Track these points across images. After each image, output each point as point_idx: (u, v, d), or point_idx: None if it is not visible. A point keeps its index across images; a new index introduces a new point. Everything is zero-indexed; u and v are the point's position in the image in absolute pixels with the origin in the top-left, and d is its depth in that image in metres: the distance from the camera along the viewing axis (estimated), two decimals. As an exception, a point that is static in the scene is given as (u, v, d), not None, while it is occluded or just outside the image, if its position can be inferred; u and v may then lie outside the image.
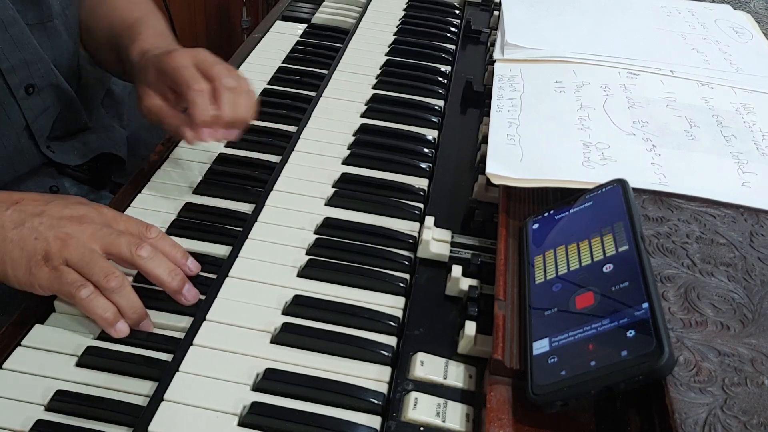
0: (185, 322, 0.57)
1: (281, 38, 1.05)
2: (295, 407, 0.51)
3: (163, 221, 0.67)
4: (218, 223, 0.68)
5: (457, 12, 1.16)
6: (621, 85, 0.79)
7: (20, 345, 0.55)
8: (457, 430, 0.49)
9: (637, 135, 0.70)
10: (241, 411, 0.50)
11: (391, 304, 0.60)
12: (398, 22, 1.10)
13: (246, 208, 0.70)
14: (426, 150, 0.79)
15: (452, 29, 1.09)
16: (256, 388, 0.52)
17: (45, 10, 0.77)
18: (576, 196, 0.60)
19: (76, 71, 0.88)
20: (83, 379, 0.52)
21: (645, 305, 0.46)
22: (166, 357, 0.54)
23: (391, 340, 0.56)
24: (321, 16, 1.12)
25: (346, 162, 0.77)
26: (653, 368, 0.42)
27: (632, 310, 0.46)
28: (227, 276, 0.61)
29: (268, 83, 0.92)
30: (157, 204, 0.70)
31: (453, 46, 1.04)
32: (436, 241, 0.64)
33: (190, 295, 0.58)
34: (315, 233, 0.67)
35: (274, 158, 0.77)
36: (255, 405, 0.50)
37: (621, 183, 0.58)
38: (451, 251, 0.64)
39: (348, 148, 0.79)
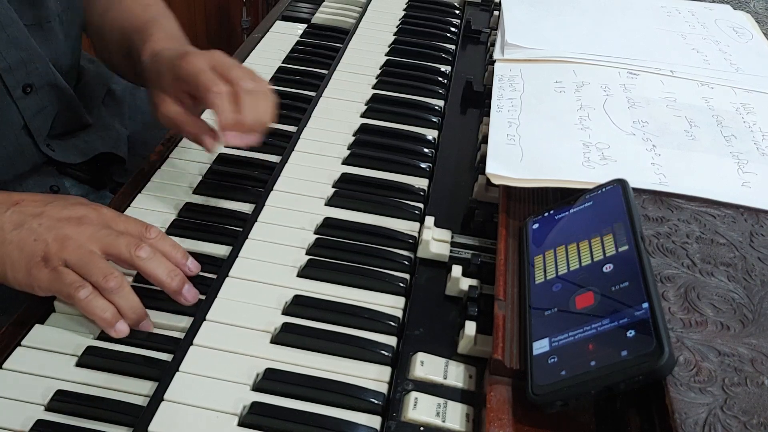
0: (185, 322, 0.57)
1: (281, 38, 1.05)
2: (295, 407, 0.51)
3: (163, 221, 0.67)
4: (218, 223, 0.68)
5: (457, 12, 1.16)
6: (621, 85, 0.79)
7: (20, 345, 0.55)
8: (457, 430, 0.49)
9: (637, 135, 0.70)
10: (241, 411, 0.50)
11: (391, 304, 0.60)
12: (398, 22, 1.10)
13: (246, 208, 0.70)
14: (426, 150, 0.79)
15: (452, 29, 1.09)
16: (256, 388, 0.52)
17: (42, 11, 0.76)
18: (576, 196, 0.60)
19: (76, 71, 0.88)
20: (83, 379, 0.52)
21: (645, 305, 0.46)
22: (166, 357, 0.54)
23: (391, 340, 0.56)
24: (321, 16, 1.12)
25: (346, 162, 0.77)
26: (653, 368, 0.42)
27: (632, 310, 0.46)
28: (227, 276, 0.61)
29: (268, 83, 0.92)
30: (157, 204, 0.70)
31: (453, 46, 1.04)
32: (436, 241, 0.64)
33: (190, 295, 0.58)
34: (315, 233, 0.67)
35: (274, 158, 0.77)
36: (255, 405, 0.50)
37: (621, 183, 0.58)
38: (451, 251, 0.64)
39: (348, 148, 0.79)
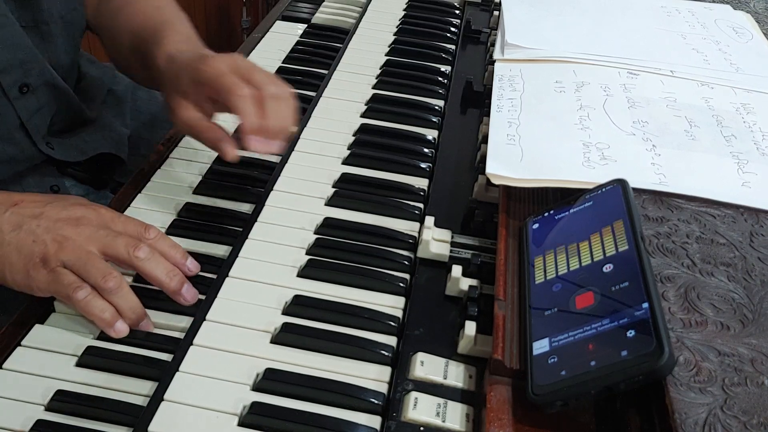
0: (185, 322, 0.57)
1: (281, 38, 1.05)
2: (295, 407, 0.51)
3: (163, 221, 0.67)
4: (218, 223, 0.68)
5: (457, 12, 1.16)
6: (621, 85, 0.79)
7: (20, 345, 0.55)
8: (457, 430, 0.49)
9: (637, 135, 0.70)
10: (241, 411, 0.50)
11: (391, 304, 0.60)
12: (398, 22, 1.10)
13: (246, 208, 0.70)
14: (426, 150, 0.79)
15: (452, 29, 1.09)
16: (256, 388, 0.52)
17: (39, 14, 0.76)
18: (576, 196, 0.60)
19: (76, 71, 0.88)
20: (83, 379, 0.52)
21: (645, 305, 0.46)
22: (166, 357, 0.54)
23: (391, 340, 0.56)
24: (321, 16, 1.12)
25: (346, 162, 0.77)
26: (653, 368, 0.42)
27: (632, 310, 0.46)
28: (227, 276, 0.61)
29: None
30: (157, 204, 0.70)
31: (453, 46, 1.04)
32: (436, 241, 0.64)
33: (189, 295, 0.58)
34: (315, 233, 0.67)
35: (274, 158, 0.77)
36: (255, 405, 0.50)
37: (621, 183, 0.58)
38: (451, 251, 0.64)
39: (348, 148, 0.79)
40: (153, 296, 0.58)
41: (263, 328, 0.57)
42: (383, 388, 0.53)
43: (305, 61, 0.98)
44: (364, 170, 0.76)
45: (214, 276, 0.61)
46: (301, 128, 0.82)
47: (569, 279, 0.52)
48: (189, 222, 0.68)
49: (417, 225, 0.69)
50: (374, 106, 0.87)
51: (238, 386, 0.52)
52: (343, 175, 0.74)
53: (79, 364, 0.54)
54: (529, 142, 0.69)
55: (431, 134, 0.83)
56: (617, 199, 0.57)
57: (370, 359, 0.55)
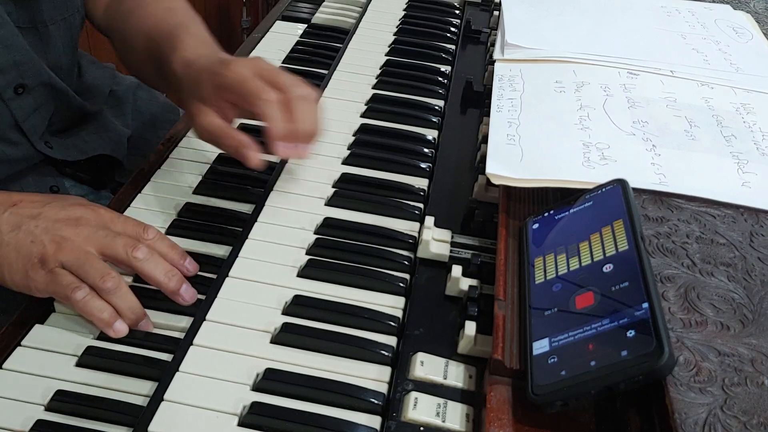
0: (185, 322, 0.57)
1: (281, 38, 1.05)
2: (295, 407, 0.51)
3: (163, 221, 0.67)
4: (218, 223, 0.68)
5: (457, 12, 1.16)
6: (621, 85, 0.79)
7: (20, 345, 0.55)
8: (457, 430, 0.49)
9: (637, 135, 0.70)
10: (241, 411, 0.50)
11: (391, 304, 0.60)
12: (398, 22, 1.10)
13: (246, 208, 0.70)
14: (426, 150, 0.79)
15: (452, 29, 1.09)
16: (256, 388, 0.52)
17: (38, 15, 0.75)
18: (576, 196, 0.60)
19: (76, 71, 0.88)
20: (83, 379, 0.52)
21: (645, 305, 0.46)
22: (166, 357, 0.54)
23: (391, 340, 0.56)
24: (321, 16, 1.12)
25: (346, 162, 0.77)
26: (653, 368, 0.42)
27: (632, 310, 0.46)
28: (227, 276, 0.61)
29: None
30: (157, 204, 0.70)
31: (453, 46, 1.04)
32: (436, 241, 0.64)
33: (188, 295, 0.58)
34: (315, 233, 0.67)
35: (274, 158, 0.77)
36: (255, 405, 0.50)
37: (621, 183, 0.58)
38: (451, 251, 0.64)
39: (348, 148, 0.79)
40: (153, 296, 0.58)
41: (263, 328, 0.57)
42: (383, 388, 0.53)
43: (305, 61, 0.98)
44: (364, 170, 0.76)
45: (214, 276, 0.61)
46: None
47: (569, 279, 0.52)
48: (189, 222, 0.68)
49: (417, 225, 0.69)
50: (374, 106, 0.87)
51: (238, 386, 0.52)
52: (343, 175, 0.74)
53: (79, 364, 0.53)
54: (529, 142, 0.69)
55: (431, 134, 0.83)
56: (617, 199, 0.57)
57: (370, 359, 0.55)
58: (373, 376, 0.54)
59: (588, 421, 0.47)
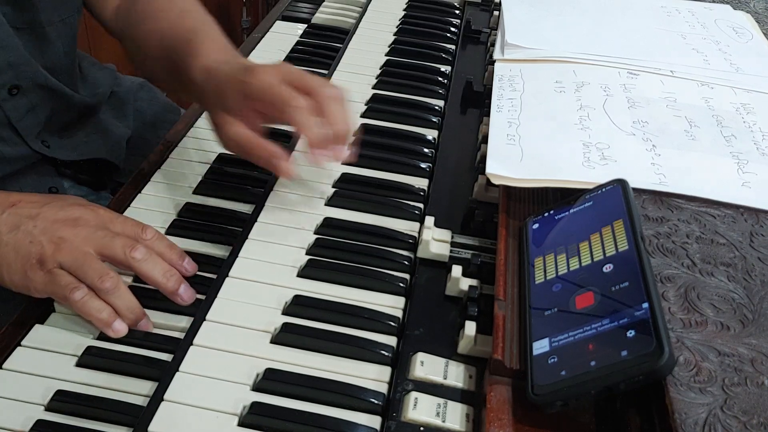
0: (185, 322, 0.57)
1: (281, 38, 1.05)
2: (295, 407, 0.51)
3: (163, 221, 0.67)
4: (218, 223, 0.68)
5: (457, 12, 1.16)
6: (621, 85, 0.79)
7: (20, 345, 0.55)
8: (457, 430, 0.49)
9: (637, 135, 0.70)
10: (241, 411, 0.50)
11: (391, 304, 0.60)
12: (398, 22, 1.10)
13: (246, 208, 0.70)
14: (426, 150, 0.79)
15: (452, 29, 1.09)
16: (256, 388, 0.52)
17: (35, 17, 0.75)
18: (576, 196, 0.60)
19: (76, 72, 0.87)
20: (83, 379, 0.52)
21: (645, 305, 0.46)
22: (166, 357, 0.54)
23: (391, 340, 0.56)
24: (321, 16, 1.12)
25: (345, 162, 0.77)
26: (653, 368, 0.42)
27: (632, 310, 0.46)
28: (227, 276, 0.61)
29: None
30: (157, 204, 0.70)
31: (453, 46, 1.04)
32: (436, 241, 0.64)
33: (186, 295, 0.58)
34: (315, 233, 0.67)
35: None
36: (255, 405, 0.50)
37: (621, 183, 0.58)
38: (451, 251, 0.64)
39: (348, 148, 0.79)
40: (152, 296, 0.58)
41: (263, 328, 0.57)
42: (383, 388, 0.53)
43: (305, 61, 0.98)
44: (364, 170, 0.76)
45: (214, 276, 0.61)
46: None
47: (569, 279, 0.52)
48: (189, 222, 0.68)
49: (417, 225, 0.69)
50: (374, 106, 0.87)
51: (238, 386, 0.52)
52: (343, 175, 0.74)
53: (79, 364, 0.54)
54: (529, 142, 0.69)
55: (431, 134, 0.83)
56: (617, 199, 0.57)
57: (370, 359, 0.55)
58: (373, 376, 0.54)
59: (588, 421, 0.47)
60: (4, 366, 0.53)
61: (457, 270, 0.60)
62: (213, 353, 0.54)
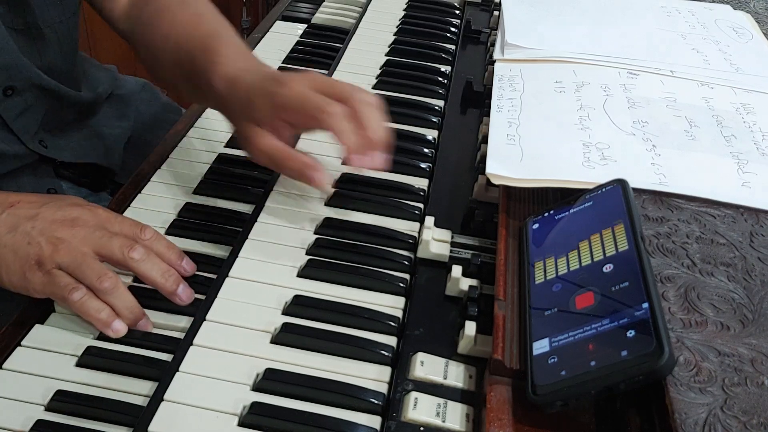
0: (185, 322, 0.57)
1: (281, 38, 1.05)
2: (295, 407, 0.51)
3: (163, 221, 0.67)
4: (218, 223, 0.68)
5: (457, 12, 1.16)
6: (621, 85, 0.79)
7: (20, 345, 0.55)
8: (457, 430, 0.49)
9: (637, 135, 0.70)
10: (241, 411, 0.50)
11: (391, 304, 0.60)
12: (398, 22, 1.10)
13: (246, 208, 0.70)
14: (426, 150, 0.79)
15: (452, 29, 1.09)
16: (256, 388, 0.52)
17: (31, 18, 0.74)
18: (576, 196, 0.60)
19: (76, 73, 0.87)
20: (83, 379, 0.52)
21: (645, 305, 0.46)
22: (166, 357, 0.54)
23: (391, 340, 0.56)
24: (321, 16, 1.12)
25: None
26: (653, 368, 0.42)
27: (632, 310, 0.46)
28: (227, 276, 0.61)
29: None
30: (157, 204, 0.70)
31: (453, 46, 1.04)
32: (436, 241, 0.64)
33: (185, 295, 0.58)
34: (315, 233, 0.67)
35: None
36: (255, 405, 0.50)
37: (621, 183, 0.58)
38: (451, 251, 0.64)
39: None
40: (152, 296, 0.58)
41: (263, 328, 0.57)
42: (383, 388, 0.53)
43: (305, 61, 0.98)
44: (363, 170, 0.76)
45: (214, 276, 0.61)
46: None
47: (569, 279, 0.52)
48: (189, 222, 0.68)
49: (417, 225, 0.69)
50: (374, 106, 0.87)
51: (238, 386, 0.52)
52: (343, 175, 0.74)
53: (79, 364, 0.54)
54: (529, 142, 0.69)
55: (431, 134, 0.83)
56: (617, 199, 0.57)
57: (370, 359, 0.55)
58: (373, 376, 0.54)
59: (588, 421, 0.47)
60: (4, 366, 0.53)
61: (457, 270, 0.60)
62: (213, 353, 0.54)
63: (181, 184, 0.73)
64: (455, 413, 0.50)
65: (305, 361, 0.54)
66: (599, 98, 0.76)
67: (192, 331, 0.56)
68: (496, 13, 1.05)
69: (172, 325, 0.58)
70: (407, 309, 0.60)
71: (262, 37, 1.05)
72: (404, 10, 1.15)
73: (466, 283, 0.59)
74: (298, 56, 0.99)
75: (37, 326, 0.57)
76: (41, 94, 0.78)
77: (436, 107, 0.88)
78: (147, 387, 0.52)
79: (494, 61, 0.86)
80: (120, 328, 0.55)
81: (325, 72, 0.94)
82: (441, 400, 0.51)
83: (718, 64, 0.86)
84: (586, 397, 0.45)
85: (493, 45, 0.94)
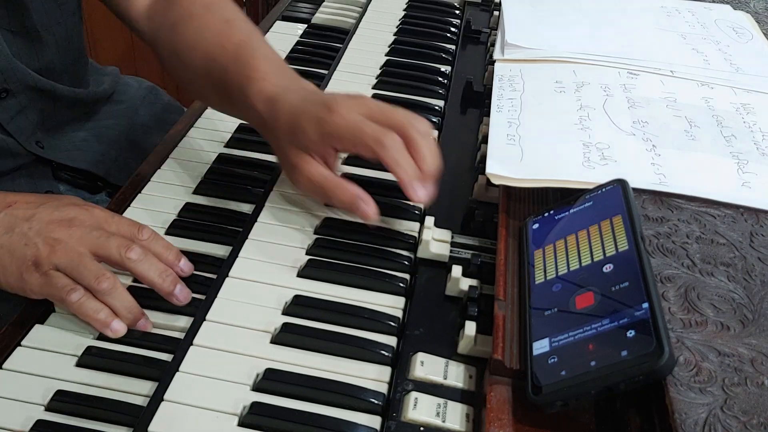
0: (185, 322, 0.57)
1: (281, 38, 1.05)
2: (295, 407, 0.51)
3: (163, 221, 0.67)
4: (218, 223, 0.68)
5: (457, 12, 1.16)
6: (621, 85, 0.79)
7: (20, 345, 0.55)
8: (457, 430, 0.49)
9: (637, 135, 0.70)
10: (241, 411, 0.50)
11: (391, 304, 0.60)
12: (398, 22, 1.10)
13: (246, 208, 0.70)
14: (426, 150, 0.79)
15: (452, 29, 1.09)
16: (256, 388, 0.52)
17: (28, 20, 0.74)
18: (576, 196, 0.60)
19: (76, 75, 0.87)
20: (83, 379, 0.52)
21: (645, 305, 0.46)
22: (166, 357, 0.54)
23: (391, 340, 0.56)
24: (321, 16, 1.12)
25: (346, 162, 0.77)
26: (653, 368, 0.42)
27: (632, 310, 0.46)
28: (227, 276, 0.61)
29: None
30: (157, 204, 0.70)
31: (453, 46, 1.04)
32: (436, 241, 0.64)
33: (182, 296, 0.58)
34: (315, 233, 0.67)
35: (274, 158, 0.77)
36: (255, 405, 0.50)
37: (621, 183, 0.58)
38: (451, 251, 0.64)
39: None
40: (152, 296, 0.58)
41: (263, 328, 0.57)
42: (383, 388, 0.53)
43: (305, 61, 0.98)
44: (364, 170, 0.76)
45: (214, 276, 0.61)
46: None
47: (569, 279, 0.52)
48: (189, 222, 0.68)
49: (417, 225, 0.69)
50: (374, 106, 0.87)
51: (238, 386, 0.52)
52: (344, 175, 0.74)
53: (79, 364, 0.53)
54: (529, 142, 0.69)
55: (431, 134, 0.83)
56: (617, 199, 0.57)
57: (370, 359, 0.55)
58: (373, 376, 0.54)
59: (588, 421, 0.47)
60: (4, 366, 0.53)
61: (457, 270, 0.60)
62: (213, 353, 0.54)
63: (181, 184, 0.73)
64: (455, 413, 0.50)
65: (305, 361, 0.54)
66: (599, 98, 0.76)
67: (192, 331, 0.56)
68: (496, 13, 1.05)
69: (172, 325, 0.57)
70: (407, 309, 0.60)
71: (262, 37, 1.04)
72: (404, 10, 1.15)
73: (466, 283, 0.59)
74: (298, 56, 0.99)
75: (37, 326, 0.57)
76: (36, 96, 0.78)
77: (436, 107, 0.88)
78: (147, 387, 0.52)
79: (494, 61, 0.86)
80: (119, 328, 0.55)
81: (326, 72, 0.94)
82: (441, 400, 0.51)
83: (718, 64, 0.86)
84: (586, 397, 0.45)
85: (493, 45, 0.94)
